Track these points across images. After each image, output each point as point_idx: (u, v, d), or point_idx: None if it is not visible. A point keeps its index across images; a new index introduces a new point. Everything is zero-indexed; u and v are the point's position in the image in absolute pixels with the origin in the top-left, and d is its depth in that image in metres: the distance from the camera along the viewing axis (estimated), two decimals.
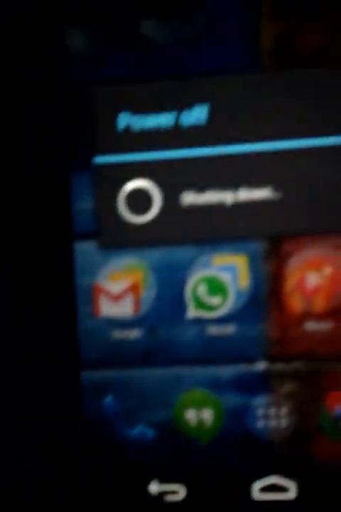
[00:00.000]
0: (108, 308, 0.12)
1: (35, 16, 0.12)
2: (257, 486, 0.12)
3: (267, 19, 0.11)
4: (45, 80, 0.12)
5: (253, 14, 0.11)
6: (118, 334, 0.12)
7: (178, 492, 0.12)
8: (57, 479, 0.13)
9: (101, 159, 0.12)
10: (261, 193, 0.12)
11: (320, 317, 0.12)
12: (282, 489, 0.12)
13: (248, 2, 0.11)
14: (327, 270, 0.12)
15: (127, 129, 0.12)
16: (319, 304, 0.12)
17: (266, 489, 0.12)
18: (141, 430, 0.12)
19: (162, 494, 0.12)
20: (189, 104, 0.12)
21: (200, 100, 0.12)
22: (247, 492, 0.12)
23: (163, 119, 0.12)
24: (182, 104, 0.12)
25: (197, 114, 0.12)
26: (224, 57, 0.11)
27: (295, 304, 0.12)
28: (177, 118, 0.12)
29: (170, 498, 0.12)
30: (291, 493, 0.12)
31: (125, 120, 0.12)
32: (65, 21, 0.12)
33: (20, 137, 0.12)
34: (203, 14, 0.11)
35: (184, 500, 0.12)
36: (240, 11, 0.11)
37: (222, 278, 0.12)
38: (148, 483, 0.12)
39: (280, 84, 0.11)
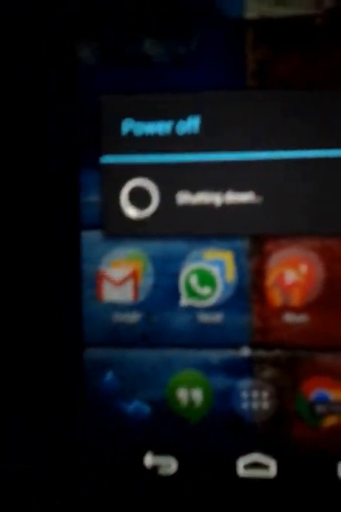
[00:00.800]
0: (110, 293, 0.21)
1: (51, 31, 0.21)
2: (241, 462, 0.21)
3: (250, 47, 0.19)
4: (57, 89, 0.21)
5: (238, 42, 0.19)
6: (118, 317, 0.21)
7: (170, 466, 0.21)
8: (58, 453, 0.21)
9: (107, 159, 0.21)
10: (246, 197, 0.20)
11: (297, 310, 0.20)
12: (263, 467, 0.21)
13: (234, 32, 0.19)
14: (303, 268, 0.20)
15: (130, 134, 0.21)
16: (296, 299, 0.20)
17: (249, 466, 0.21)
18: (137, 406, 0.22)
19: (156, 468, 0.21)
20: (184, 115, 0.20)
21: (193, 112, 0.20)
22: (232, 468, 0.21)
23: (161, 127, 0.21)
24: (178, 115, 0.20)
25: (191, 124, 0.20)
26: (215, 76, 0.20)
27: (275, 297, 0.20)
28: (174, 126, 0.20)
29: (163, 471, 0.21)
30: (272, 472, 0.21)
31: (128, 126, 0.21)
32: (78, 38, 0.21)
33: (36, 139, 0.21)
34: (197, 39, 0.20)
35: (175, 474, 0.21)
36: (228, 38, 0.20)
37: (211, 271, 0.21)
38: (143, 456, 0.22)
39: (262, 102, 0.20)
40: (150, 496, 0.21)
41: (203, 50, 0.19)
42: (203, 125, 0.20)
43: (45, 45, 0.21)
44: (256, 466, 0.20)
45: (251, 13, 0.19)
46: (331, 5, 0.18)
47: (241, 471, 0.20)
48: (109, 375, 0.21)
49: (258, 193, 0.20)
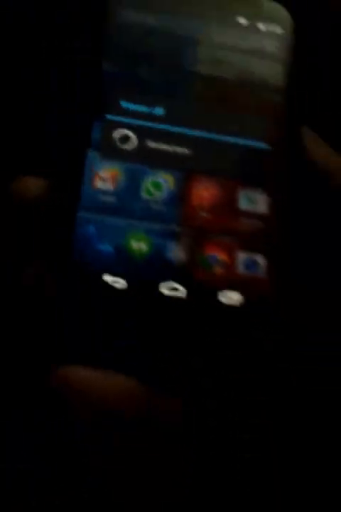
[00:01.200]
0: (100, 184, 0.36)
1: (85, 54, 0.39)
2: (164, 285, 0.34)
3: (197, 82, 0.39)
4: (93, 86, 0.39)
5: (185, 80, 0.39)
6: (102, 198, 0.36)
7: (120, 283, 0.34)
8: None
9: (109, 116, 0.38)
10: (185, 150, 0.38)
11: (205, 210, 0.36)
12: (176, 290, 0.34)
13: (184, 73, 0.39)
14: (210, 188, 0.37)
15: (125, 108, 0.38)
16: (204, 203, 0.37)
17: (169, 289, 0.34)
18: (106, 247, 0.35)
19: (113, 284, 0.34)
20: (156, 105, 0.39)
21: (162, 106, 0.39)
22: (157, 288, 0.34)
23: (143, 109, 0.38)
24: (152, 105, 0.39)
25: (160, 111, 0.38)
26: (173, 90, 0.39)
27: (194, 201, 0.36)
28: (150, 110, 0.38)
29: (118, 286, 0.34)
30: (181, 293, 0.34)
31: (124, 103, 0.38)
32: (104, 58, 0.39)
33: (78, 101, 0.38)
34: (165, 74, 0.39)
35: (126, 289, 0.34)
36: (184, 78, 0.39)
37: (160, 182, 0.37)
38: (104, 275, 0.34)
39: (199, 107, 0.39)
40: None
41: (170, 78, 0.39)
42: (166, 113, 0.38)
43: (82, 66, 0.39)
44: (172, 289, 0.34)
45: (198, 70, 0.39)
46: None
47: (164, 291, 0.34)
48: (91, 227, 0.35)
49: (190, 148, 0.37)
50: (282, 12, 0.42)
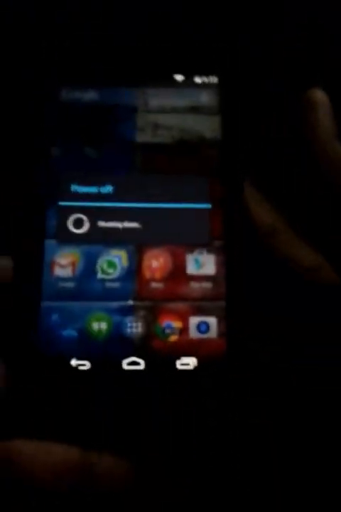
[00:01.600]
0: (58, 271, 0.39)
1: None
2: (125, 361, 0.38)
3: (137, 153, 0.41)
4: (43, 175, 0.41)
5: (131, 152, 0.41)
6: (62, 284, 0.39)
7: (85, 365, 0.38)
8: None
9: (62, 203, 0.41)
10: (134, 224, 0.40)
11: (157, 281, 0.39)
12: (137, 364, 0.38)
13: (129, 147, 0.41)
14: (161, 260, 0.40)
15: (75, 192, 0.41)
16: (157, 276, 0.40)
17: (130, 364, 0.38)
18: (69, 332, 0.39)
19: (77, 366, 0.38)
20: (104, 184, 0.41)
21: (109, 183, 0.41)
22: (120, 364, 0.38)
23: (93, 189, 0.41)
24: (100, 184, 0.41)
25: (108, 189, 0.41)
26: (120, 166, 0.41)
27: (147, 274, 0.39)
28: (99, 190, 0.41)
29: (81, 367, 0.38)
30: (142, 366, 0.38)
31: (74, 187, 0.41)
32: (54, 144, 0.42)
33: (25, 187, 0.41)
34: (110, 148, 0.41)
35: (89, 370, 0.38)
36: (126, 149, 0.41)
37: (114, 260, 0.40)
38: (70, 359, 0.38)
39: (142, 179, 0.41)
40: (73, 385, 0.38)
41: (114, 153, 0.41)
42: (114, 190, 0.40)
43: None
44: (133, 363, 0.38)
45: (139, 139, 0.41)
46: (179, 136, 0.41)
47: (125, 366, 0.38)
48: (54, 316, 0.39)
49: (140, 223, 0.40)
50: (219, 61, 0.42)
